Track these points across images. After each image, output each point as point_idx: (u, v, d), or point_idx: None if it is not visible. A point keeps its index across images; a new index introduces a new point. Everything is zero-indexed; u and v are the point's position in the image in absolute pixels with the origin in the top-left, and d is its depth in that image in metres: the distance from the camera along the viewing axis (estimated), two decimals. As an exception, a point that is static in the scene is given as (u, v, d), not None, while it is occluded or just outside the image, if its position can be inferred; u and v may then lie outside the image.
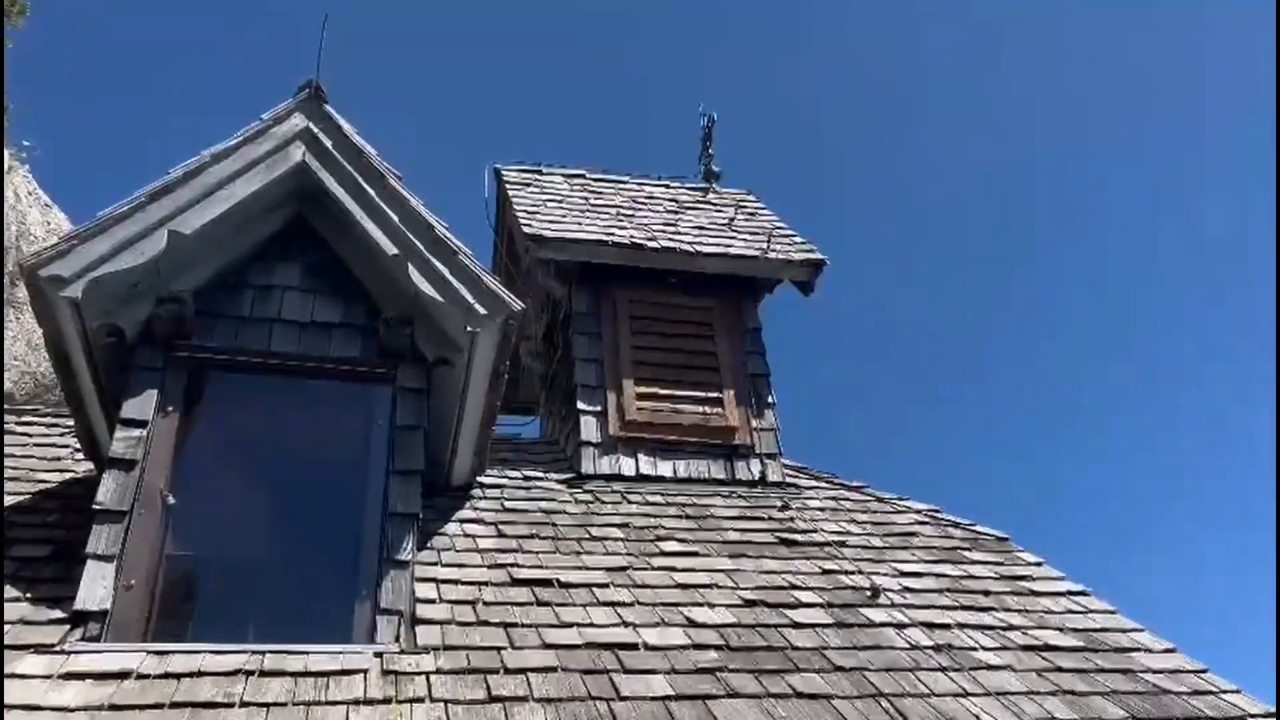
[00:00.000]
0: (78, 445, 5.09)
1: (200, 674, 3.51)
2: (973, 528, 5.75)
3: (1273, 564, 16.62)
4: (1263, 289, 19.40)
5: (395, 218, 4.51)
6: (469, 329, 4.37)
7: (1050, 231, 22.10)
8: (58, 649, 3.56)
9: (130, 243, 4.13)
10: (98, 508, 3.91)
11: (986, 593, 4.92)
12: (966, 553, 5.40)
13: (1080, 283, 21.89)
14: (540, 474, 5.76)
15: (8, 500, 4.56)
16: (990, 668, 4.18)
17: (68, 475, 4.94)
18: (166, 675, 3.48)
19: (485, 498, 5.32)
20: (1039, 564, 5.37)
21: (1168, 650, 4.51)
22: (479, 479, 5.39)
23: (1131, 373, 22.66)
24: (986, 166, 22.41)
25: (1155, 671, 4.29)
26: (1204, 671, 4.35)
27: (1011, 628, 4.58)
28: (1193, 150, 21.38)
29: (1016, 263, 22.50)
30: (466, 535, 4.87)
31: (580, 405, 6.01)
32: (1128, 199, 21.93)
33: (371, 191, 4.55)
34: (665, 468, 5.90)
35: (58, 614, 3.74)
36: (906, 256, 22.45)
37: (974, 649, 4.33)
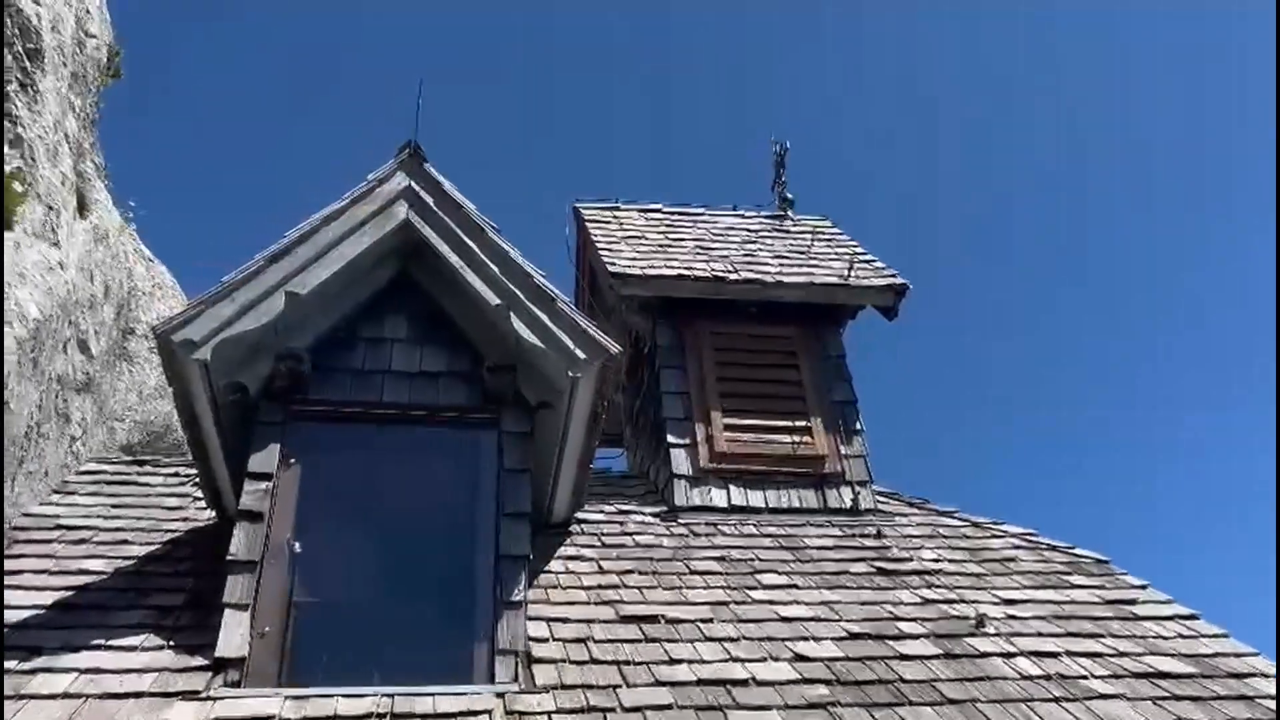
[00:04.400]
0: (198, 495, 5.35)
1: (335, 717, 3.69)
2: (1071, 550, 5.71)
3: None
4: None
5: (495, 269, 4.68)
6: (570, 374, 4.51)
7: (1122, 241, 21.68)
8: (204, 695, 3.76)
9: (252, 305, 4.36)
10: (231, 559, 4.12)
11: (1092, 618, 4.89)
12: (1067, 577, 5.37)
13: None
14: (634, 508, 5.87)
15: (141, 551, 4.81)
16: (1103, 697, 4.17)
17: (191, 525, 5.19)
18: (305, 719, 3.66)
19: (584, 534, 5.44)
20: (1143, 586, 5.31)
21: (1286, 675, 4.44)
22: (576, 515, 5.53)
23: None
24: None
25: (1276, 698, 4.22)
26: (1326, 697, 4.27)
27: (1121, 654, 4.54)
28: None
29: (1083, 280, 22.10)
30: (570, 572, 5.00)
31: (670, 439, 6.11)
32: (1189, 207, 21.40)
33: (472, 244, 4.73)
34: (756, 498, 5.96)
35: (199, 661, 3.94)
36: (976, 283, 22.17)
37: (1084, 678, 4.31)
